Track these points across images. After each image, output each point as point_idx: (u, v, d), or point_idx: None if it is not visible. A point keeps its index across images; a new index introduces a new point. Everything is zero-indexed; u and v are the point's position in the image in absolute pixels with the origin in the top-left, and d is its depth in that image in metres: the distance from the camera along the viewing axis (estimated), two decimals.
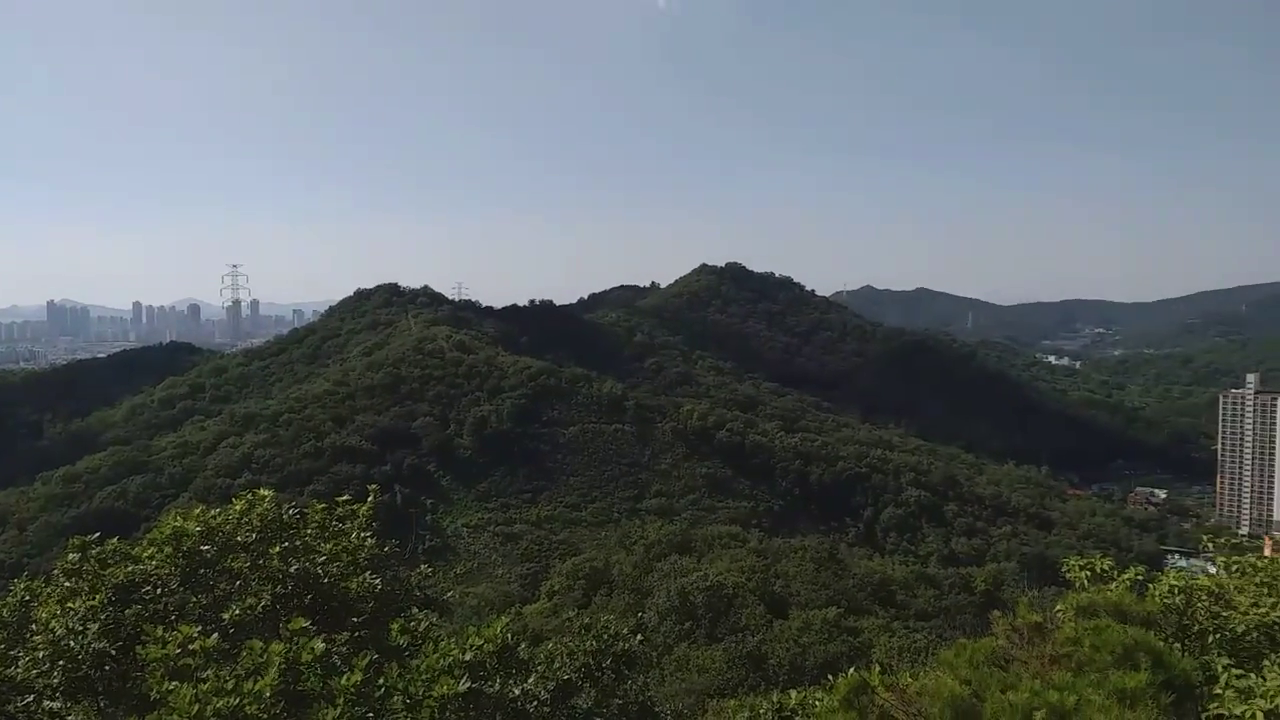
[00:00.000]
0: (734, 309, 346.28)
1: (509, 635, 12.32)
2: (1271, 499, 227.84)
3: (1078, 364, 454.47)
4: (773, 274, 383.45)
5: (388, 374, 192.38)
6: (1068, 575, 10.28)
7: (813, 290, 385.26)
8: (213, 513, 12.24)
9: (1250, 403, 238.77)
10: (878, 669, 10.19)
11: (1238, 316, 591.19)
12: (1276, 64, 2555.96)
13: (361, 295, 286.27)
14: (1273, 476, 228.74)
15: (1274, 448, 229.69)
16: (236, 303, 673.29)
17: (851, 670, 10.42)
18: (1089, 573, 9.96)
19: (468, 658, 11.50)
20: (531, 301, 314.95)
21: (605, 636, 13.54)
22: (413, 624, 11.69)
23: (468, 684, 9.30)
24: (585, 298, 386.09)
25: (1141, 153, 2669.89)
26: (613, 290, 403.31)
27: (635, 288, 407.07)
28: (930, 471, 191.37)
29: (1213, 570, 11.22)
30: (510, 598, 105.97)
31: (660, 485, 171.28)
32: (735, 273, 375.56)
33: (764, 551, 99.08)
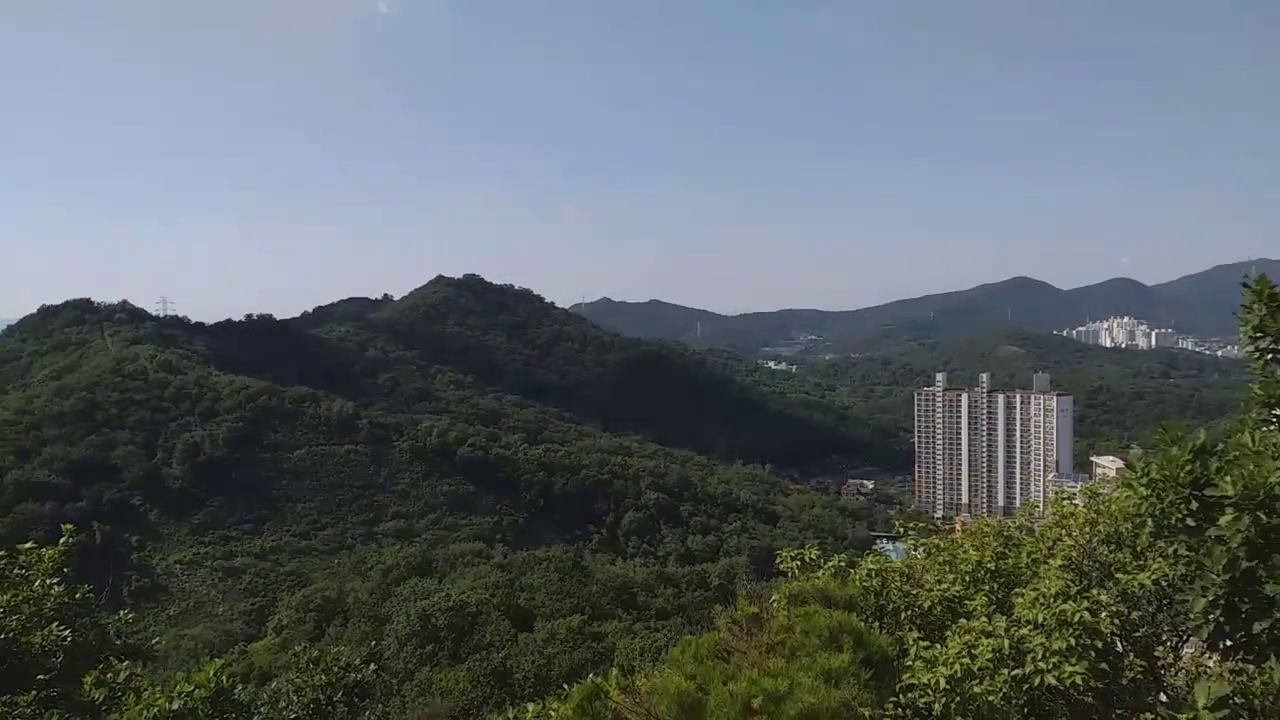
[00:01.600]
0: (474, 321, 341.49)
1: (224, 678, 11.35)
2: (960, 485, 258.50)
3: (794, 368, 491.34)
4: (512, 286, 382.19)
5: (80, 399, 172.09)
6: (781, 566, 11.00)
7: (552, 302, 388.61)
8: None
9: (939, 399, 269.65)
10: (615, 672, 10.40)
11: (927, 323, 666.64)
12: (975, 98, 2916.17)
13: (47, 312, 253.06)
14: (960, 464, 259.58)
15: (960, 439, 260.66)
16: None
17: (589, 677, 10.56)
18: (799, 562, 10.72)
19: (175, 706, 10.50)
20: (249, 316, 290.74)
21: (335, 669, 12.92)
22: (110, 676, 10.59)
23: None
24: (310, 311, 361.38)
25: (834, 176, 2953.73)
26: (341, 303, 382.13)
27: (366, 300, 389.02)
28: (667, 475, 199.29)
29: (879, 551, 12.48)
30: (232, 637, 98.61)
31: (398, 506, 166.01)
32: (474, 284, 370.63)
33: (508, 566, 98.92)
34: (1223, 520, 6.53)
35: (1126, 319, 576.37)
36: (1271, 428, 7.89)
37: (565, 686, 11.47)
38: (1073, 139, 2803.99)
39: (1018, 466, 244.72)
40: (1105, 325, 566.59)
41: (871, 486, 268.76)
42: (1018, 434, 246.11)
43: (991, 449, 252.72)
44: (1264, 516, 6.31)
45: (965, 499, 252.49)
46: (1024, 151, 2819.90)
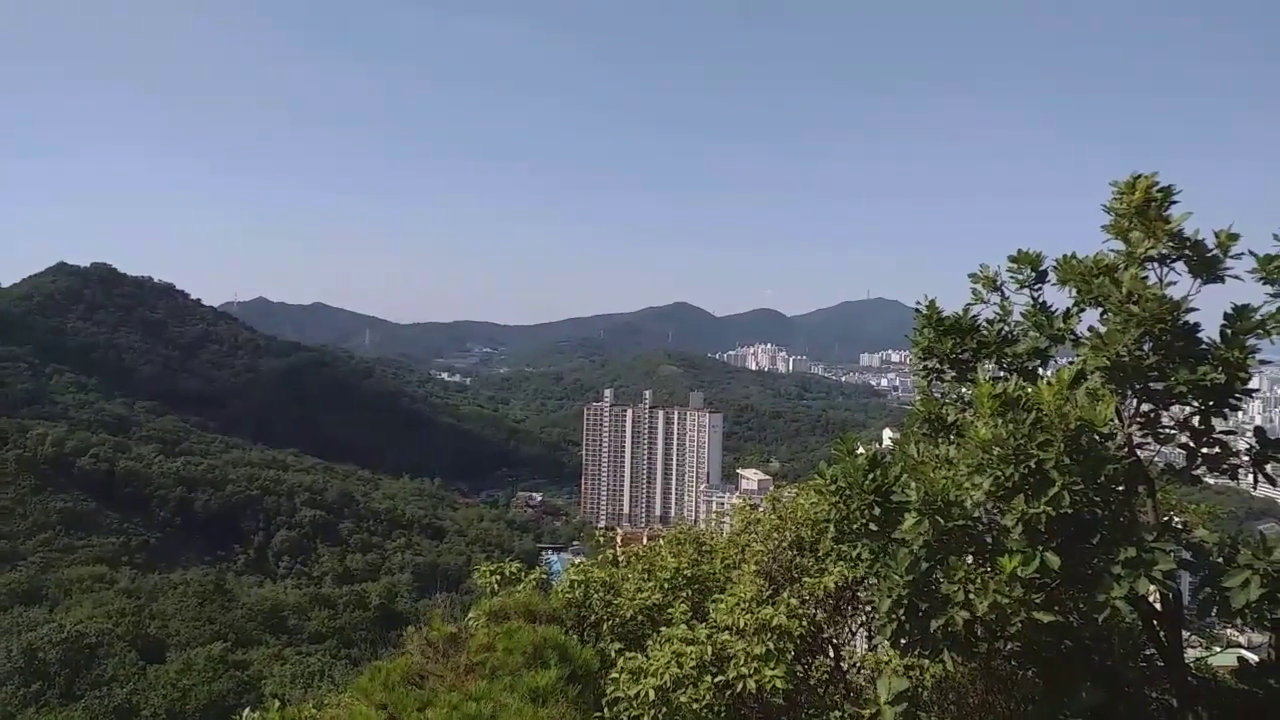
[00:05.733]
0: (102, 316, 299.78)
1: None
2: (623, 495, 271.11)
3: (468, 381, 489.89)
4: (150, 278, 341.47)
5: None
6: (479, 581, 10.45)
7: (199, 299, 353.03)
8: None
9: (607, 414, 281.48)
10: (277, 705, 9.25)
11: (598, 341, 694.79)
12: (658, 125, 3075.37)
13: None
14: (624, 476, 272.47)
15: (624, 452, 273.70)
16: None
17: (248, 712, 9.30)
18: (499, 577, 10.24)
19: None
20: None
21: None
22: None
23: None
24: None
25: (517, 195, 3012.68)
26: None
27: None
28: (326, 490, 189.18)
29: (578, 562, 12.42)
30: None
31: (0, 525, 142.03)
32: (104, 274, 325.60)
33: (136, 591, 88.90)
34: (905, 524, 6.98)
35: (769, 345, 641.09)
36: (933, 441, 8.65)
37: None
38: (733, 182, 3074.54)
39: (674, 478, 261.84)
40: (751, 350, 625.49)
41: (540, 499, 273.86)
42: (675, 448, 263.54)
43: (651, 461, 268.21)
44: (942, 520, 6.81)
45: (627, 509, 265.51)
46: (694, 182, 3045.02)
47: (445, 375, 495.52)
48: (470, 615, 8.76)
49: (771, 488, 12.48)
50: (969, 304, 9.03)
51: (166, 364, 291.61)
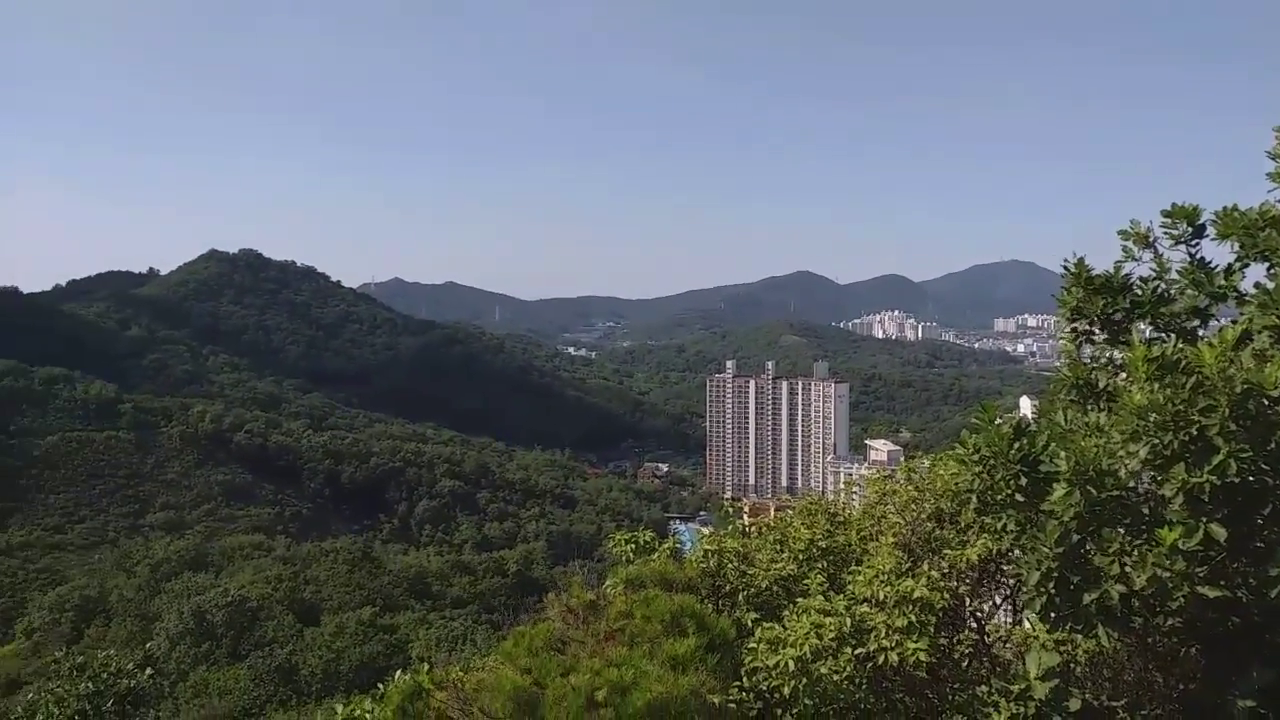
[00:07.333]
0: (250, 300, 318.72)
1: None
2: (748, 467, 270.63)
3: (593, 354, 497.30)
4: (294, 263, 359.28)
5: None
6: (614, 550, 10.64)
7: (339, 281, 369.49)
8: None
9: (729, 386, 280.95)
10: (426, 668, 9.68)
11: (718, 313, 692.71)
12: (775, 94, 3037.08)
13: None
14: (748, 448, 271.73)
15: (748, 423, 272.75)
16: None
17: (400, 674, 9.79)
18: (634, 546, 10.40)
19: None
20: None
21: (105, 675, 11.56)
22: None
23: None
24: (64, 285, 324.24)
25: (637, 166, 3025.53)
26: (99, 276, 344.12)
27: (129, 274, 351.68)
28: (464, 461, 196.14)
29: (707, 532, 12.45)
30: None
31: (167, 497, 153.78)
32: (250, 260, 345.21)
33: (292, 558, 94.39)
34: (1055, 495, 6.72)
35: (897, 312, 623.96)
36: (1082, 408, 8.28)
37: (376, 686, 10.62)
38: (849, 144, 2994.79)
39: (800, 449, 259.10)
40: (878, 318, 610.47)
41: (666, 470, 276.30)
42: (800, 419, 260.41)
43: (776, 432, 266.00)
44: (1094, 491, 6.53)
45: (752, 480, 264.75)
46: (813, 149, 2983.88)
47: (571, 349, 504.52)
48: (608, 583, 8.94)
49: (903, 458, 12.21)
50: (1119, 261, 8.57)
51: (311, 343, 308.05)
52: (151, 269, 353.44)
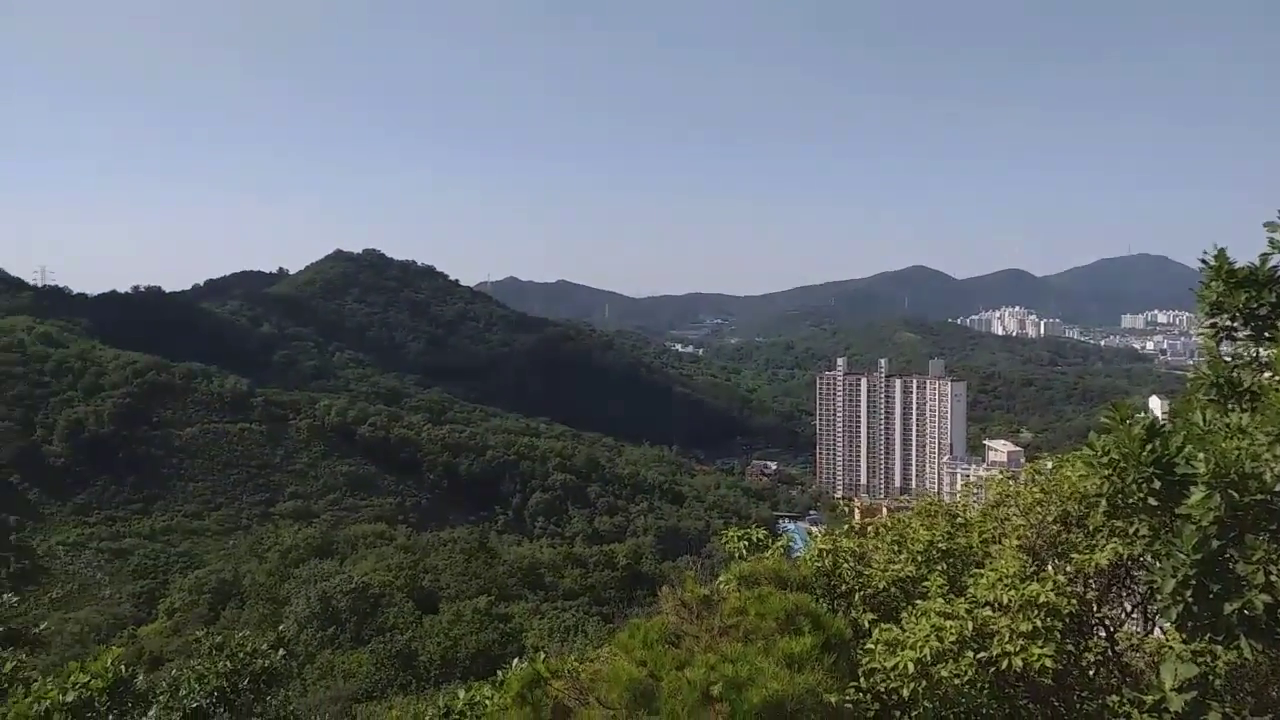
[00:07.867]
0: (373, 298, 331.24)
1: (121, 667, 10.55)
2: (859, 466, 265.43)
3: (700, 351, 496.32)
4: (414, 262, 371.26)
5: None
6: (726, 547, 10.67)
7: (457, 280, 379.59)
8: None
9: (840, 383, 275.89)
10: (542, 657, 9.93)
11: (828, 309, 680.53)
12: (874, 91, 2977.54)
13: None
14: (859, 447, 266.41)
15: (859, 422, 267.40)
16: None
17: (518, 662, 10.06)
18: (746, 543, 10.41)
19: (70, 699, 9.75)
20: (135, 288, 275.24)
21: (241, 655, 12.24)
22: None
23: None
24: (201, 284, 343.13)
25: (741, 162, 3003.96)
26: (233, 276, 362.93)
27: (260, 274, 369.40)
28: (575, 456, 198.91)
29: (816, 531, 12.31)
30: (121, 620, 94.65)
31: (296, 486, 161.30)
32: (373, 260, 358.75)
33: (412, 547, 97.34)
34: (1193, 499, 6.44)
35: (1017, 308, 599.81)
36: (1222, 407, 7.89)
37: (495, 674, 10.99)
38: (969, 135, 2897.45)
39: (914, 449, 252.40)
40: (997, 314, 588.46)
41: (775, 468, 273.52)
42: (914, 418, 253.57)
43: (889, 432, 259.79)
44: (1236, 495, 6.23)
45: (864, 480, 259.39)
46: (925, 145, 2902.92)
47: (679, 346, 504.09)
48: (721, 578, 8.98)
49: (1024, 459, 11.83)
50: (1265, 254, 8.12)
51: (431, 340, 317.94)
52: (281, 269, 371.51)
